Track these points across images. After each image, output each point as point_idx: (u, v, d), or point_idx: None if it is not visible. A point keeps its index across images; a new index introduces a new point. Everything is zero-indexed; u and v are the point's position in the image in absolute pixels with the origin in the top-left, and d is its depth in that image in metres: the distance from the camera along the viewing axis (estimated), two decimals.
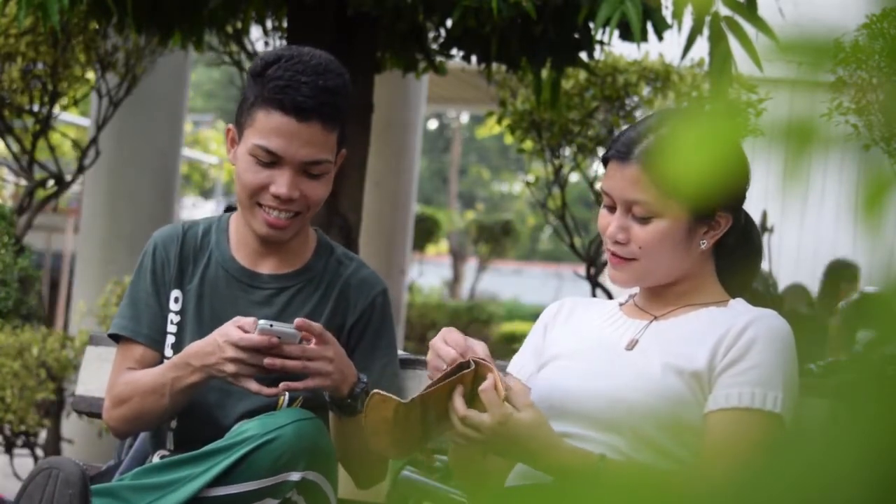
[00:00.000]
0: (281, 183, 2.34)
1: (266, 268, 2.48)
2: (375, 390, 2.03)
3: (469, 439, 2.00)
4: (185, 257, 2.50)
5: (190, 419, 2.44)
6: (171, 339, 2.48)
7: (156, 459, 2.41)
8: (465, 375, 1.99)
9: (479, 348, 2.06)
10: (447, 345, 2.06)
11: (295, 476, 2.18)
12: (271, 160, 2.34)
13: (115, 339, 2.51)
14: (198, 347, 2.29)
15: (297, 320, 2.24)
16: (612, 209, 2.16)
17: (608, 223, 2.16)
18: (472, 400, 2.00)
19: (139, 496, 2.17)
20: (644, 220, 2.13)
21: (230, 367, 2.23)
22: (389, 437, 2.02)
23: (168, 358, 2.46)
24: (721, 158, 1.05)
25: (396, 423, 2.01)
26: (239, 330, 2.23)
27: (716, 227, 2.16)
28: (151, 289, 2.48)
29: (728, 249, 2.23)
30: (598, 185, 5.58)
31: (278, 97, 2.32)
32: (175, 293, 2.48)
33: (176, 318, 2.48)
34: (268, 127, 2.34)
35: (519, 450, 2.01)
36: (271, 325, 2.22)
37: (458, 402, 1.98)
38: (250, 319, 2.24)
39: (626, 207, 2.14)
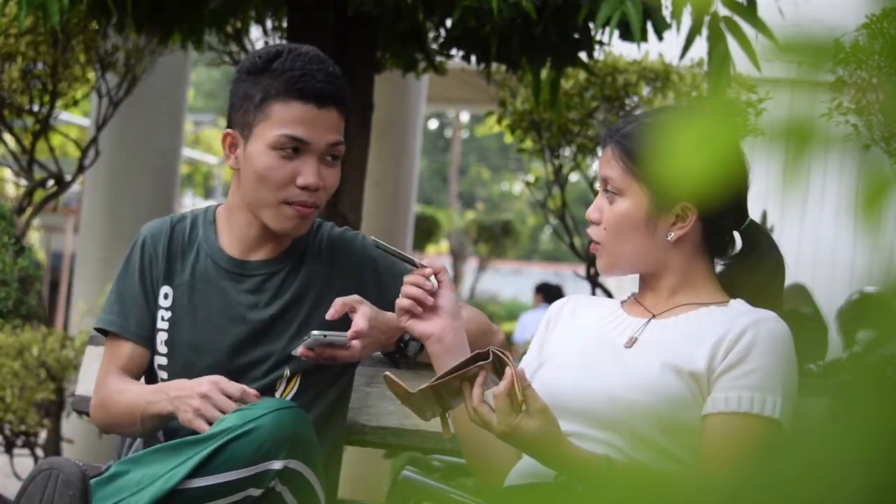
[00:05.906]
0: (308, 172, 2.37)
1: (258, 256, 2.49)
2: (386, 373, 2.07)
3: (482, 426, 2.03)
4: (173, 252, 2.50)
5: None
6: (163, 336, 2.48)
7: None
8: (483, 367, 2.01)
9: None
10: None
11: (276, 465, 2.18)
12: (296, 147, 2.36)
13: (104, 333, 2.53)
14: (180, 382, 2.31)
15: (350, 332, 2.29)
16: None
17: None
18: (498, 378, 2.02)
19: (117, 489, 2.17)
20: (612, 199, 2.18)
21: (195, 402, 2.23)
22: (410, 405, 2.07)
23: (162, 355, 2.48)
24: (690, 152, 1.05)
25: (412, 399, 2.05)
26: (231, 383, 2.26)
27: (681, 220, 2.16)
28: (139, 286, 2.49)
29: (728, 255, 2.23)
30: (597, 185, 5.58)
31: (297, 87, 2.35)
32: (164, 289, 2.49)
33: (167, 315, 2.48)
34: (288, 117, 2.36)
35: (526, 450, 2.04)
36: (325, 336, 2.29)
37: (476, 392, 2.00)
38: (238, 386, 2.25)
39: (603, 186, 2.20)
